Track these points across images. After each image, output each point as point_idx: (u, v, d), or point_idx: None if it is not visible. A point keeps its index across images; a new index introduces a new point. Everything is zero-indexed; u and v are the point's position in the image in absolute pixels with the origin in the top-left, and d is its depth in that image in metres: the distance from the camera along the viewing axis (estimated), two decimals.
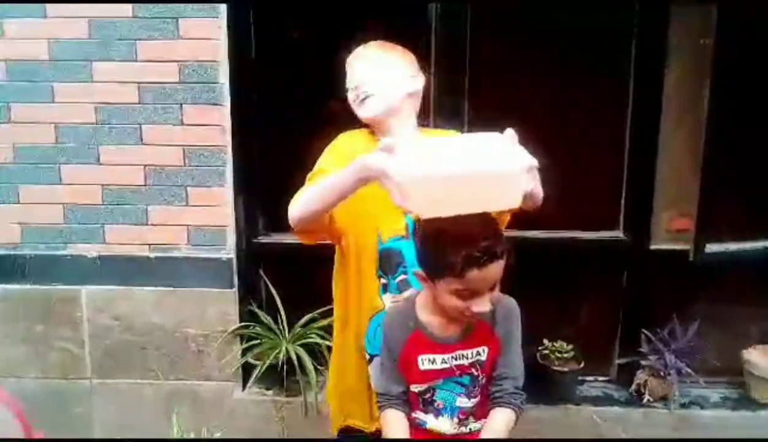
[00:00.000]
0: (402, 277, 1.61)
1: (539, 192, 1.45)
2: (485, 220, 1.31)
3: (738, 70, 2.55)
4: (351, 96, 1.65)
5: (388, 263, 1.62)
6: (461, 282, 1.32)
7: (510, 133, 1.30)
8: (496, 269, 1.32)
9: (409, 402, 1.49)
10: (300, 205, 1.53)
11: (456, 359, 1.45)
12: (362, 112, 1.64)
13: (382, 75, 1.62)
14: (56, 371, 2.84)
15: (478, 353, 1.45)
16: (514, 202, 1.26)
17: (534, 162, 1.28)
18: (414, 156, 1.27)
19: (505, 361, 1.46)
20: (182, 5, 2.57)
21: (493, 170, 1.24)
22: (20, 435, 1.20)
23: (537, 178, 1.38)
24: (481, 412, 1.48)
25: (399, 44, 1.70)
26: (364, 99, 1.63)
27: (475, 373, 1.45)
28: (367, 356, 1.66)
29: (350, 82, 1.65)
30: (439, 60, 2.68)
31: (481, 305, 1.35)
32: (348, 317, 1.70)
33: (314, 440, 2.67)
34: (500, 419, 1.44)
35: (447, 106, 2.69)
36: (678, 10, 2.65)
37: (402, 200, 1.25)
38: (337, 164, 1.54)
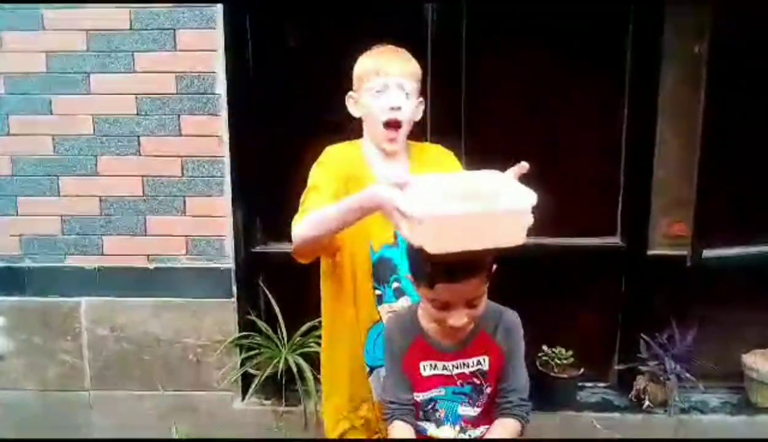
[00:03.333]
0: (396, 285, 1.62)
1: None
2: None
3: (733, 75, 2.56)
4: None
5: (381, 272, 1.62)
6: (433, 293, 1.32)
7: (517, 169, 1.30)
8: (469, 286, 1.29)
9: (414, 411, 1.49)
10: (305, 232, 1.52)
11: (457, 368, 1.44)
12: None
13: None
14: (55, 383, 2.84)
15: (479, 363, 1.44)
16: (519, 238, 1.25)
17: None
18: (424, 192, 1.26)
19: (510, 374, 1.45)
20: (179, 17, 2.58)
21: (505, 209, 1.23)
22: None
23: None
24: (483, 421, 1.48)
25: (396, 46, 1.70)
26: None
27: (478, 382, 1.45)
28: (367, 368, 1.66)
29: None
30: (435, 61, 2.68)
31: (457, 319, 1.33)
32: (339, 330, 1.69)
33: (313, 440, 2.67)
34: (503, 427, 1.44)
35: (442, 110, 2.68)
36: (673, 14, 2.66)
37: (411, 235, 1.24)
38: (329, 179, 1.56)
